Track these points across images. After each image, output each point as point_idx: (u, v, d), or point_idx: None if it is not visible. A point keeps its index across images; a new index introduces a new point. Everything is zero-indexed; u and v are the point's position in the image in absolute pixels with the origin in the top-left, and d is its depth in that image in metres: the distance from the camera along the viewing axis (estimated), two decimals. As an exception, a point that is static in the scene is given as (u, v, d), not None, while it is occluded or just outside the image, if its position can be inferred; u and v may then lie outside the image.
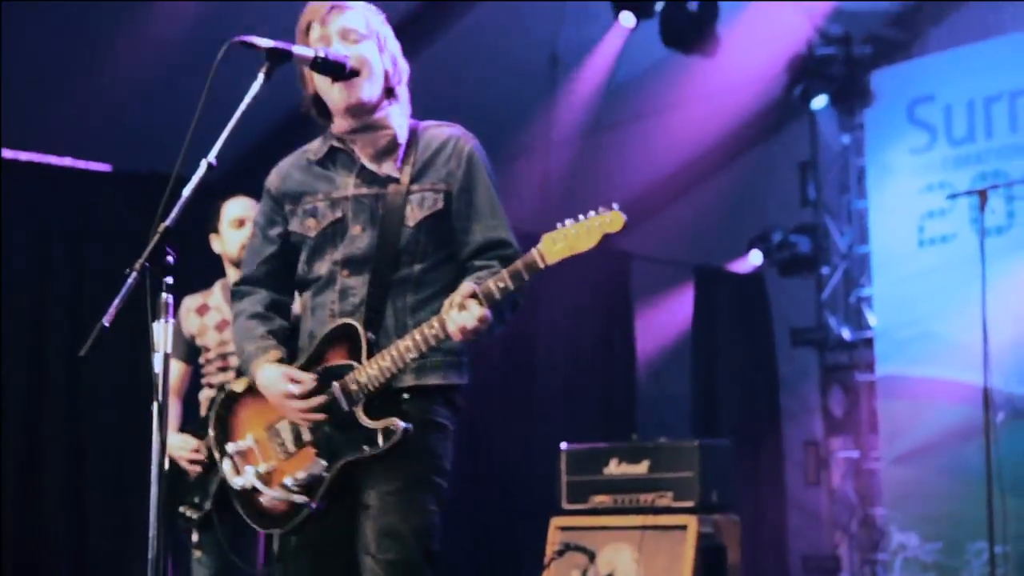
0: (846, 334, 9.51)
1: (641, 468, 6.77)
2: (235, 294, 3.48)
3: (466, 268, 3.29)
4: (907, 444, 8.63)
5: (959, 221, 8.41)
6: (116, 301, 2.75)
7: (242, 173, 8.14)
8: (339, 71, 3.20)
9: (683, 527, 6.43)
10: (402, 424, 3.15)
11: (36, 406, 6.98)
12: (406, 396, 3.21)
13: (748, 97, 9.54)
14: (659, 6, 8.09)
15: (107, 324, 2.75)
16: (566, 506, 6.93)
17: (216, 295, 5.23)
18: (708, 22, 8.20)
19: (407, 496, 3.16)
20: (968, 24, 9.00)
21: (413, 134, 3.37)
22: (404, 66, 3.40)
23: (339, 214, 3.31)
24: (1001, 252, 7.36)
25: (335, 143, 3.37)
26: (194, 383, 5.30)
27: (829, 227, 9.66)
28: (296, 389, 3.21)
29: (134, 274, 2.77)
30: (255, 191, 5.38)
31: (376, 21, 3.36)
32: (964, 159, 8.58)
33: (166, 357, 2.82)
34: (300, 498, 3.25)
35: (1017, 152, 8.28)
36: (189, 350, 5.22)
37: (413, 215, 3.27)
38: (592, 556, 6.55)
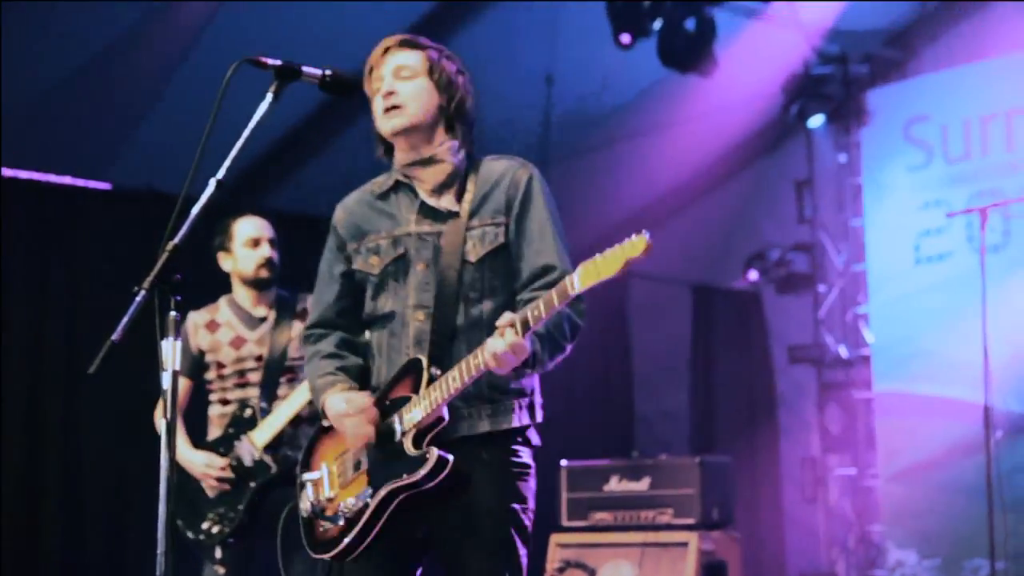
0: (843, 351, 9.52)
1: (642, 485, 6.80)
2: (307, 338, 3.50)
3: (518, 302, 3.28)
4: (904, 461, 8.64)
5: (956, 239, 8.43)
6: (125, 319, 2.77)
7: (240, 190, 8.20)
8: (349, 89, 3.20)
9: (684, 544, 6.46)
10: (437, 452, 3.13)
11: (35, 421, 7.00)
12: (482, 442, 3.23)
13: (745, 116, 9.58)
14: (656, 25, 8.11)
15: (116, 340, 2.75)
16: (566, 523, 6.95)
17: (223, 310, 5.25)
18: (705, 41, 8.23)
19: (503, 543, 3.21)
20: (963, 44, 9.04)
21: (473, 167, 3.39)
22: (467, 101, 3.42)
23: (401, 250, 3.33)
24: (998, 270, 7.35)
25: (399, 177, 3.39)
26: (196, 398, 5.31)
27: (826, 245, 9.68)
28: (351, 408, 3.24)
29: (143, 292, 2.79)
30: (256, 208, 5.43)
31: (435, 57, 3.38)
32: (960, 177, 8.60)
33: (175, 375, 2.82)
34: (345, 523, 3.26)
35: (1013, 170, 8.31)
36: (194, 366, 5.23)
37: (475, 251, 3.29)
38: (592, 573, 6.57)
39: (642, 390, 10.12)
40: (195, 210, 2.90)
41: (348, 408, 3.25)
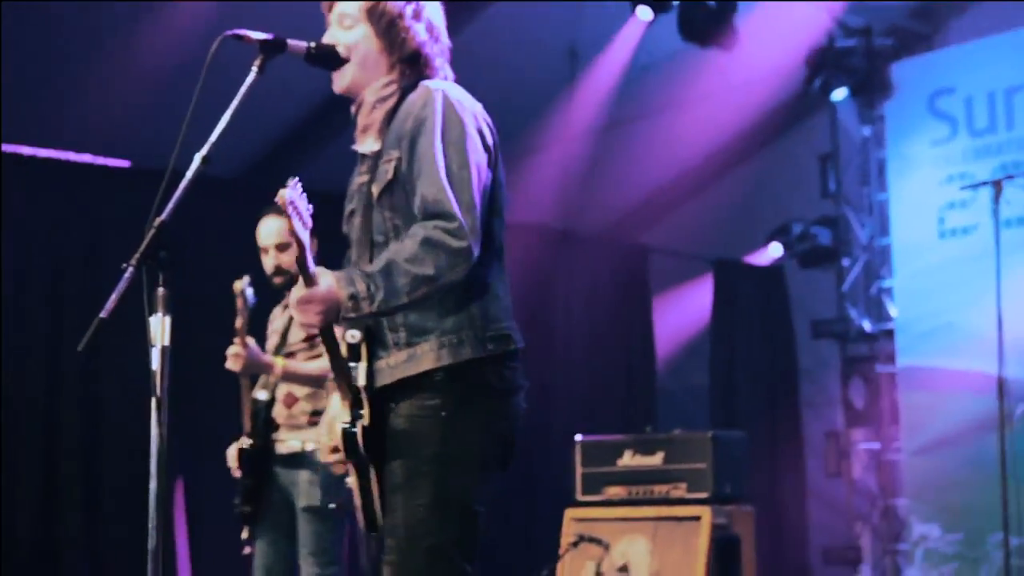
0: (867, 326, 9.47)
1: (655, 460, 6.79)
2: None
3: None
4: (928, 435, 8.60)
5: (980, 212, 8.30)
6: (113, 295, 2.76)
7: (258, 172, 8.23)
8: (334, 60, 3.12)
9: (697, 518, 6.45)
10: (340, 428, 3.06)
11: (51, 405, 6.97)
12: (396, 391, 3.01)
13: (768, 90, 9.51)
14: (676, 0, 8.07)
15: (105, 317, 2.76)
16: (580, 498, 6.96)
17: None
18: (726, 15, 8.18)
19: (400, 494, 2.97)
20: (989, 16, 8.94)
21: (400, 104, 3.12)
22: (410, 39, 3.16)
23: (351, 207, 3.20)
24: (1020, 243, 7.31)
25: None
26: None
27: (850, 219, 9.62)
28: None
29: (131, 269, 2.79)
30: (271, 190, 5.44)
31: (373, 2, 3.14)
32: (985, 150, 8.54)
33: (164, 350, 2.83)
34: None
35: (1038, 143, 8.24)
36: None
37: (375, 190, 3.06)
38: (606, 547, 6.58)
39: (664, 365, 10.11)
40: (182, 186, 2.90)
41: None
